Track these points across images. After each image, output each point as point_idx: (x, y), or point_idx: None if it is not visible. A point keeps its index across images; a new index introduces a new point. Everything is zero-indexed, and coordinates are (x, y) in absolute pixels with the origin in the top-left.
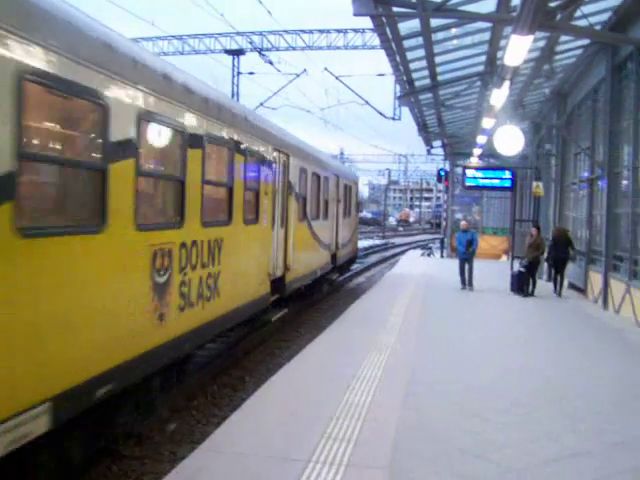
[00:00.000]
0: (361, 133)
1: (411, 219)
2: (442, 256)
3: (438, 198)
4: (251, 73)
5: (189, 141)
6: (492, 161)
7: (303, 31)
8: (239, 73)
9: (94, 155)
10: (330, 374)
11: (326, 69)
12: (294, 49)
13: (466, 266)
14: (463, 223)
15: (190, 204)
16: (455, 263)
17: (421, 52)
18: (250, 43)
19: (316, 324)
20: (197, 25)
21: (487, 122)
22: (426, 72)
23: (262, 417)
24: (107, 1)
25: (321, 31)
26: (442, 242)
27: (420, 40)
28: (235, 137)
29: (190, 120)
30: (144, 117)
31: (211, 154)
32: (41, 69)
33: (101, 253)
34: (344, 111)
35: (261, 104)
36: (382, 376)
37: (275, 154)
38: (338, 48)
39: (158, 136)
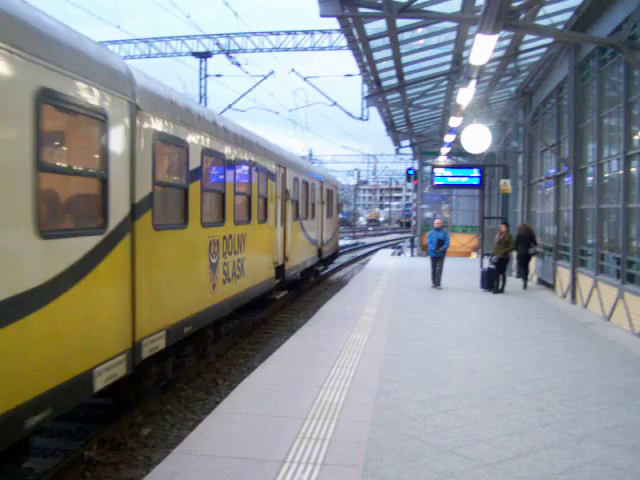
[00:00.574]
0: (329, 134)
1: (381, 219)
2: (412, 255)
3: (407, 197)
4: (218, 75)
5: (227, 164)
6: (460, 159)
7: (270, 32)
8: (207, 76)
9: (183, 179)
10: (303, 374)
11: (293, 70)
12: (261, 51)
13: (436, 264)
14: (437, 221)
15: (228, 209)
16: (425, 262)
17: (388, 52)
18: (217, 45)
19: (287, 326)
20: (163, 28)
21: (454, 121)
22: (393, 72)
23: (236, 419)
24: (69, 2)
25: (288, 32)
26: (412, 241)
27: (387, 40)
28: (252, 159)
29: (227, 150)
30: (205, 152)
31: (238, 172)
32: (170, 134)
33: (187, 241)
34: (312, 112)
35: (229, 106)
36: (355, 375)
37: (276, 168)
38: (305, 49)
39: (211, 164)
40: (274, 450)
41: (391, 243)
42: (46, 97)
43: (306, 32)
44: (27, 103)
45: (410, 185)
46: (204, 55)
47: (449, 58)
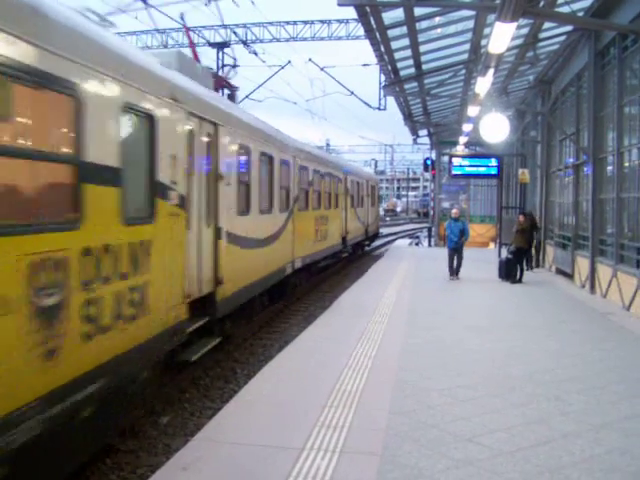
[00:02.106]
0: (347, 124)
1: (398, 209)
2: (430, 245)
3: (425, 187)
4: (235, 65)
5: (322, 176)
6: (478, 149)
7: (287, 22)
8: (224, 65)
9: (308, 186)
10: (321, 363)
11: (311, 60)
12: (278, 40)
13: (455, 256)
14: (454, 211)
15: (323, 200)
16: (444, 251)
17: (405, 41)
18: (234, 34)
19: (305, 315)
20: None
21: (472, 110)
22: (411, 61)
23: (255, 407)
24: None
25: (305, 22)
26: (430, 231)
27: (404, 29)
28: (331, 171)
29: (323, 169)
30: (316, 172)
31: (327, 180)
32: (304, 165)
33: (308, 216)
34: (329, 102)
35: (246, 96)
36: (373, 364)
37: (342, 175)
38: (322, 39)
39: (319, 178)
40: (293, 437)
41: (409, 233)
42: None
43: (323, 22)
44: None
45: (428, 175)
46: (221, 45)
47: (467, 47)
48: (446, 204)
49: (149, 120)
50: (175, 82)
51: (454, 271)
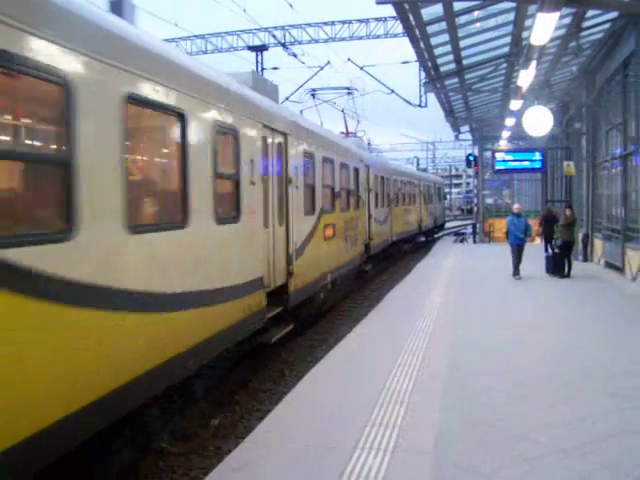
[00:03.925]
0: (387, 122)
1: None
2: (475, 242)
3: (468, 184)
4: (275, 68)
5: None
6: (521, 143)
7: (325, 23)
8: (263, 69)
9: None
10: (370, 362)
11: (350, 60)
12: (317, 41)
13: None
14: (517, 207)
15: (417, 207)
16: (488, 248)
17: (445, 37)
18: (273, 37)
19: (352, 315)
20: (219, 23)
21: (515, 104)
22: (451, 57)
23: (305, 409)
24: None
25: (343, 22)
26: (474, 228)
27: (443, 25)
28: (412, 180)
29: (396, 177)
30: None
31: (424, 189)
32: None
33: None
34: (369, 101)
35: (287, 98)
36: (423, 362)
37: (417, 181)
38: (361, 38)
39: (402, 186)
40: (344, 437)
41: (453, 230)
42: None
43: (361, 21)
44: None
45: (470, 171)
46: (260, 48)
47: (508, 40)
48: (490, 200)
49: (235, 133)
50: (253, 101)
51: (518, 268)
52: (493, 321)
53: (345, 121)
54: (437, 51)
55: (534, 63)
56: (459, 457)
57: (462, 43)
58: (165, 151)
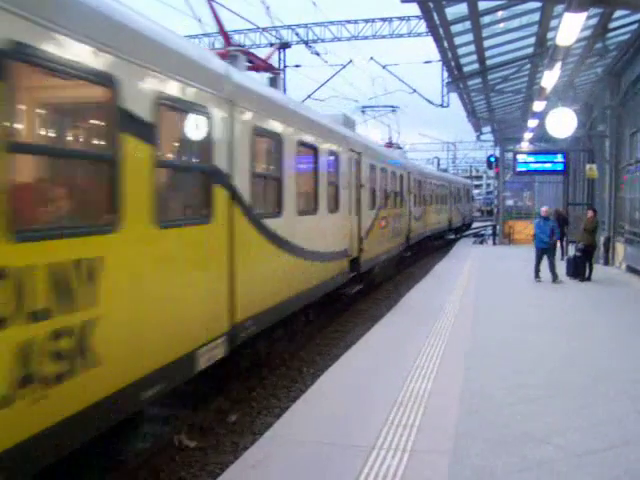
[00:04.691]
0: (408, 121)
1: None
2: (494, 243)
3: (488, 185)
4: (297, 66)
5: (390, 174)
6: (543, 145)
7: (348, 21)
8: (285, 66)
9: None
10: (389, 362)
11: (372, 59)
12: (339, 40)
13: (543, 256)
14: (544, 209)
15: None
16: (508, 250)
17: (469, 37)
18: (296, 35)
19: (370, 315)
20: (242, 20)
21: (538, 105)
22: (474, 57)
23: (323, 406)
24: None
25: (366, 21)
26: (494, 229)
27: (467, 24)
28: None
29: (439, 182)
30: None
31: (455, 191)
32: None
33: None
34: (391, 100)
35: (309, 96)
36: (441, 363)
37: (448, 184)
38: (384, 37)
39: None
40: (362, 436)
41: (472, 232)
42: None
43: (384, 20)
44: None
45: (491, 172)
46: (283, 46)
47: (532, 41)
48: (510, 202)
49: (337, 156)
50: (345, 134)
51: (539, 272)
52: (510, 323)
53: (390, 135)
54: (460, 51)
55: (559, 64)
56: (478, 459)
57: (486, 43)
58: (312, 172)
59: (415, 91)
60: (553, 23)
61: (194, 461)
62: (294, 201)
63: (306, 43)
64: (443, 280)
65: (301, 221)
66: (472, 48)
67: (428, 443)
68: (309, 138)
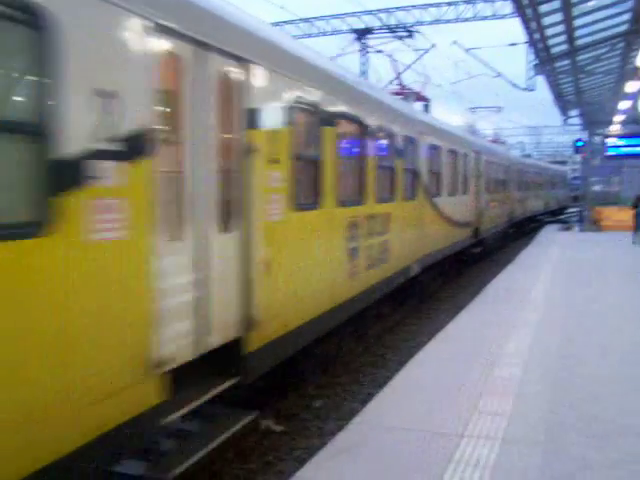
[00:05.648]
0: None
1: None
2: (581, 230)
3: (574, 170)
4: (379, 51)
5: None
6: (635, 128)
7: (431, 5)
8: (367, 52)
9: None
10: (476, 350)
11: (455, 42)
12: (422, 24)
13: None
14: None
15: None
16: (596, 237)
17: (557, 17)
18: (379, 20)
19: (454, 302)
20: (324, 6)
21: (631, 85)
22: (563, 37)
23: (411, 393)
24: None
25: (449, 3)
26: (581, 215)
27: (556, 4)
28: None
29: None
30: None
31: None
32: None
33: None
34: (475, 84)
35: (391, 82)
36: (530, 351)
37: (558, 174)
38: (467, 20)
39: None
40: (451, 424)
41: (558, 218)
42: None
43: (467, 2)
44: None
45: (577, 157)
46: (365, 32)
47: (626, 17)
48: (597, 187)
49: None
50: (468, 138)
51: None
52: (600, 312)
53: (497, 135)
54: (549, 31)
55: None
56: (572, 450)
57: (576, 22)
58: (453, 167)
59: (500, 75)
60: None
61: (280, 445)
62: (446, 187)
63: (388, 28)
64: (528, 267)
65: (449, 200)
66: (561, 28)
67: (519, 432)
68: (452, 146)
